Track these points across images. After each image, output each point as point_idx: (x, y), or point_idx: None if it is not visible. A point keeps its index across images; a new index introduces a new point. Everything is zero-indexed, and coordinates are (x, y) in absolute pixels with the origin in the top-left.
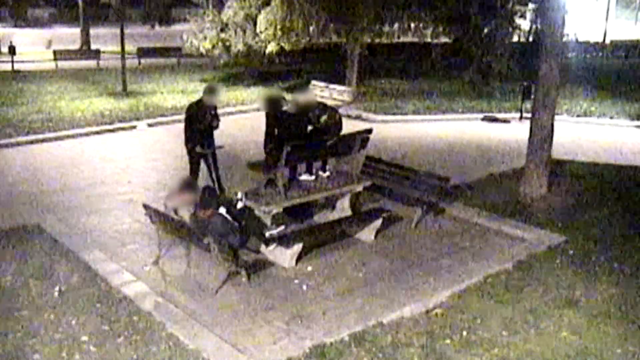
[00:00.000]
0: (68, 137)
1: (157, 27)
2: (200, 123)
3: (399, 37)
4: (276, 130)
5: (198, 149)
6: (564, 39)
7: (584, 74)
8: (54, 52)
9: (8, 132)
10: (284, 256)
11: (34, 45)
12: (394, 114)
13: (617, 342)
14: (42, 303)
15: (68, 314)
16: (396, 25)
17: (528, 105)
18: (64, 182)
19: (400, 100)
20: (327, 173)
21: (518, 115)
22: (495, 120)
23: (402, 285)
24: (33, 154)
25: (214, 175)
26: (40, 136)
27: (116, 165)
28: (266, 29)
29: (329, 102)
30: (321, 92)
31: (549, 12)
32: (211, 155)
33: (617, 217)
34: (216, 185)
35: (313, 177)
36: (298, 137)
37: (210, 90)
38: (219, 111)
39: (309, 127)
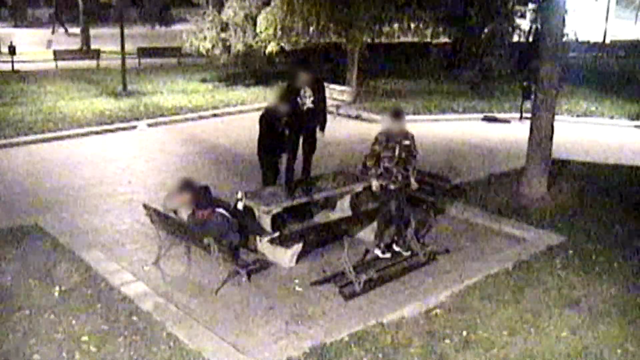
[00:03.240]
0: (68, 137)
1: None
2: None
3: (399, 37)
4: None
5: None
6: (564, 39)
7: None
8: (54, 52)
9: (8, 132)
10: (284, 256)
11: (34, 45)
12: None
13: (617, 342)
14: (42, 303)
15: (68, 314)
16: (396, 25)
17: (528, 105)
18: (64, 182)
19: (400, 100)
20: None
21: (518, 115)
22: (495, 120)
23: (402, 285)
24: (33, 154)
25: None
26: (40, 136)
27: (116, 165)
28: (266, 29)
29: (329, 102)
30: None
31: (549, 12)
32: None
33: (617, 217)
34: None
35: None
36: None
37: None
38: (219, 111)
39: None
